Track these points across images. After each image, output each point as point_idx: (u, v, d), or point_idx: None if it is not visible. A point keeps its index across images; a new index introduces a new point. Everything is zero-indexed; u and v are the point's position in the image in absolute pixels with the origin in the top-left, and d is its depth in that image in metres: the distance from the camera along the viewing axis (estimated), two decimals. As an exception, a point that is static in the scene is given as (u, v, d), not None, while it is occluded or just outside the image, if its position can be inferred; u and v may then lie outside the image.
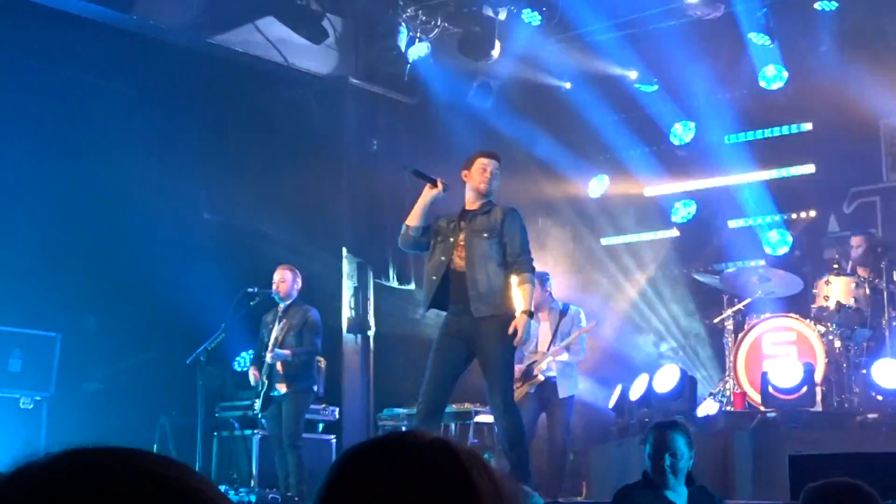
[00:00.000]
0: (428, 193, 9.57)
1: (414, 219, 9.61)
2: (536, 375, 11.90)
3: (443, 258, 9.43)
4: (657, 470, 7.11)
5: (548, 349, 11.97)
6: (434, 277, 9.47)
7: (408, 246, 9.86)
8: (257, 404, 12.09)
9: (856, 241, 12.74)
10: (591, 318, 12.65)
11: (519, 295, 9.34)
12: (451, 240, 9.46)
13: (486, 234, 9.35)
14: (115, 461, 1.39)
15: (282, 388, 11.87)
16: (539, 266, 12.94)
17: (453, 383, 9.50)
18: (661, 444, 7.13)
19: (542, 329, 12.18)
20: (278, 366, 11.91)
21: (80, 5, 12.75)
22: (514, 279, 9.40)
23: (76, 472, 1.36)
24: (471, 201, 9.53)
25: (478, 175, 9.48)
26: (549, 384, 11.88)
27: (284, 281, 12.14)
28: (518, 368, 11.95)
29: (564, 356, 12.00)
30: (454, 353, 9.38)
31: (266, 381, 11.90)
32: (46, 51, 13.23)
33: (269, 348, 11.94)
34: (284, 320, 12.09)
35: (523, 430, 9.58)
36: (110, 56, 13.69)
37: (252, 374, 12.17)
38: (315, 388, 12.35)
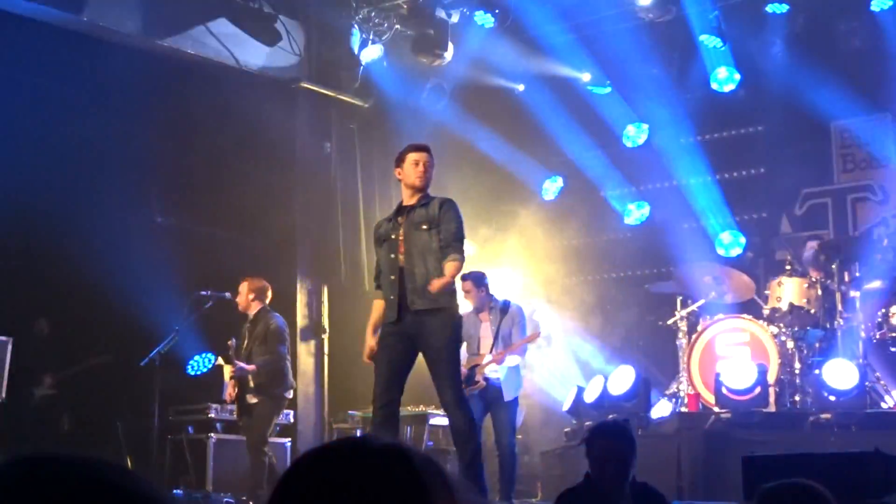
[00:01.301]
0: None
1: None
2: (478, 381, 11.87)
3: (392, 256, 9.41)
4: (603, 477, 7.03)
5: (490, 350, 11.93)
6: (392, 277, 9.41)
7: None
8: (234, 413, 12.35)
9: (811, 244, 12.82)
10: (545, 320, 12.67)
11: (444, 279, 9.32)
12: (393, 237, 9.45)
13: (424, 227, 9.32)
14: (65, 469, 1.37)
15: (252, 399, 11.95)
16: (492, 267, 12.98)
17: (403, 380, 9.46)
18: (607, 452, 7.01)
19: (484, 329, 12.12)
20: (249, 377, 11.98)
21: (30, 7, 12.66)
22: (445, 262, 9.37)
23: (23, 481, 1.34)
24: (408, 197, 9.50)
25: (411, 171, 9.43)
26: (493, 387, 11.85)
27: (239, 293, 12.33)
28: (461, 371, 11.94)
29: (504, 361, 11.94)
30: (399, 351, 9.33)
31: (239, 390, 12.03)
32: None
33: (234, 360, 12.01)
34: (252, 332, 12.23)
35: (475, 426, 9.57)
36: (61, 58, 13.60)
37: (229, 385, 12.23)
38: (287, 394, 12.37)
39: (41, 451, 1.42)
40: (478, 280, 12.10)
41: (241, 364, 11.94)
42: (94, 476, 1.37)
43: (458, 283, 9.63)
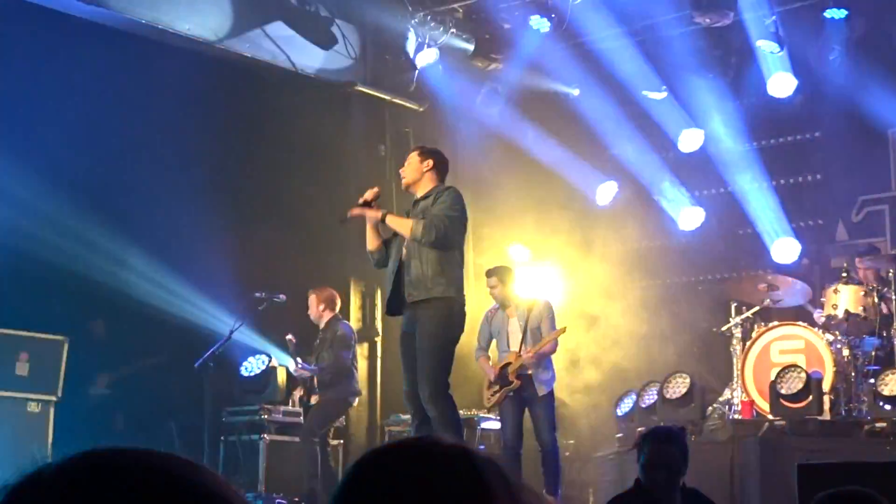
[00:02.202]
0: (368, 217, 9.72)
1: (370, 243, 9.87)
2: (513, 382, 11.84)
3: (398, 251, 9.62)
4: (653, 483, 6.99)
5: (520, 346, 11.88)
6: (391, 275, 9.67)
7: (380, 265, 10.02)
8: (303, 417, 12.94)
9: (859, 261, 12.69)
10: (599, 324, 12.64)
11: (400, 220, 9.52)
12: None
13: (421, 217, 9.46)
14: (133, 462, 1.38)
15: (314, 400, 12.29)
16: (545, 272, 12.97)
17: None
18: (658, 458, 6.98)
19: (512, 325, 12.10)
20: (314, 379, 12.64)
21: (87, 9, 12.75)
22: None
23: (93, 474, 1.35)
24: (414, 195, 9.77)
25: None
26: (527, 382, 11.81)
27: (310, 306, 12.97)
28: (492, 372, 11.90)
29: (535, 360, 11.89)
30: (413, 352, 9.45)
31: (304, 394, 12.48)
32: (55, 55, 13.23)
33: (296, 358, 12.46)
34: (322, 338, 12.78)
35: (456, 421, 9.55)
36: (118, 60, 13.70)
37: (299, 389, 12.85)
38: (351, 398, 12.73)
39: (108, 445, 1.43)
40: (503, 275, 12.12)
41: (304, 364, 12.32)
42: (161, 468, 1.38)
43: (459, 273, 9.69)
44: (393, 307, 9.67)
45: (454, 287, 9.43)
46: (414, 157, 9.75)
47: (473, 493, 1.61)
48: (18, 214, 12.76)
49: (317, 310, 12.83)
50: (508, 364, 11.83)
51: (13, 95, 12.89)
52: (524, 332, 11.88)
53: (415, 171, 9.67)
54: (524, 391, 11.81)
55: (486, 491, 1.61)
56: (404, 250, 9.52)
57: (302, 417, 12.81)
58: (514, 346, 11.92)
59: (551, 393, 11.91)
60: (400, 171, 9.82)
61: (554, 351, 12.10)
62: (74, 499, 1.32)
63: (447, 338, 9.41)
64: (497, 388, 11.86)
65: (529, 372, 11.78)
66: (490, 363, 12.02)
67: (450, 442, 1.68)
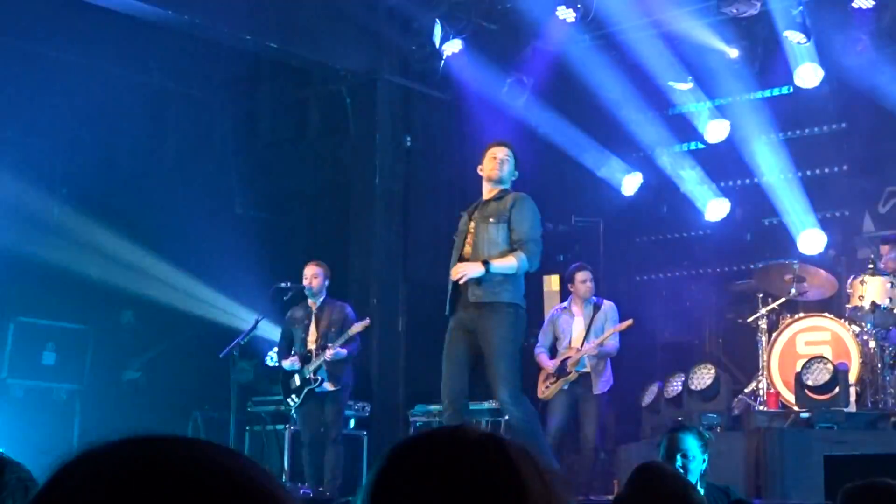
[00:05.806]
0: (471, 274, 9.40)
1: None
2: (570, 372, 11.89)
3: (461, 248, 9.51)
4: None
5: (581, 345, 11.96)
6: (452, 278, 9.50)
7: None
8: (294, 399, 12.33)
9: (884, 249, 12.59)
10: (625, 317, 12.63)
11: (503, 260, 9.27)
12: (467, 229, 9.55)
13: (492, 220, 9.40)
14: (178, 452, 1.38)
15: (329, 387, 12.00)
16: (572, 261, 13.00)
17: (468, 376, 9.47)
18: (673, 446, 7.11)
19: (576, 324, 12.19)
20: (325, 364, 12.07)
21: (121, 3, 12.77)
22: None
23: (137, 462, 1.35)
24: (486, 192, 9.64)
25: (488, 164, 9.59)
26: (583, 380, 11.86)
27: (317, 276, 12.30)
28: (552, 364, 11.96)
29: (597, 352, 11.98)
30: (463, 346, 9.41)
31: (313, 378, 12.07)
32: (81, 44, 13.26)
33: (316, 347, 12.07)
34: (322, 319, 12.20)
35: (536, 422, 9.56)
36: (146, 50, 13.73)
37: (295, 374, 12.30)
38: (351, 384, 12.51)
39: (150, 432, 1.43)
40: (592, 272, 12.27)
41: (338, 351, 11.99)
42: (207, 458, 1.37)
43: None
44: (453, 308, 9.54)
45: (520, 294, 9.40)
46: (512, 157, 9.66)
47: (506, 480, 1.61)
48: (44, 208, 12.82)
49: (321, 283, 12.32)
50: (567, 358, 11.91)
51: (32, 86, 12.94)
52: (587, 331, 11.98)
53: (505, 174, 9.62)
54: (579, 388, 11.87)
55: (518, 478, 1.61)
56: (468, 248, 9.44)
57: (300, 399, 12.44)
58: (577, 344, 12.02)
59: (606, 395, 11.95)
60: (498, 162, 9.54)
61: (614, 352, 12.14)
62: (124, 489, 1.31)
63: (518, 341, 9.44)
64: (553, 380, 11.93)
65: (588, 370, 11.84)
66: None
67: (483, 432, 1.68)
